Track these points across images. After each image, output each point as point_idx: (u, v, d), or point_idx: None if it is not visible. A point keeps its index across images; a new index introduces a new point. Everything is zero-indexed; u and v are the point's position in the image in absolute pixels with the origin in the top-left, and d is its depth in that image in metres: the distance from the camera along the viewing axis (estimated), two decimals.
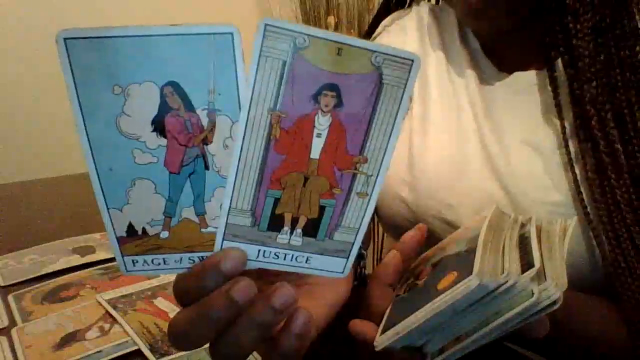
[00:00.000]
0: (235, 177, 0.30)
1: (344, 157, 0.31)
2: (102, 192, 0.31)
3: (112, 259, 0.73)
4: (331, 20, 1.96)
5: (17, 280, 0.68)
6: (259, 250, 0.33)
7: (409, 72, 0.29)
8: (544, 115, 0.55)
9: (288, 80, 0.28)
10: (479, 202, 0.55)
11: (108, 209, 0.31)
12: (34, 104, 1.80)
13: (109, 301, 0.61)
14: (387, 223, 0.66)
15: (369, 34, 0.72)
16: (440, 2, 0.72)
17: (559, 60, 0.51)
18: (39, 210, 0.94)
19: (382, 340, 0.36)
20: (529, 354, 0.49)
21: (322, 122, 0.30)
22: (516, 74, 0.57)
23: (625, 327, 0.48)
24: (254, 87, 0.28)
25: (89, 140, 0.29)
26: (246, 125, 0.29)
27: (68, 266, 0.71)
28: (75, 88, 0.28)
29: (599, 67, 0.48)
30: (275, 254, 0.33)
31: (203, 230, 0.32)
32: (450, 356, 0.35)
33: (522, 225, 0.42)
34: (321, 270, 0.34)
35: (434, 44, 0.64)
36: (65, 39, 0.27)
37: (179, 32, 0.28)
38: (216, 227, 0.32)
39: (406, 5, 0.71)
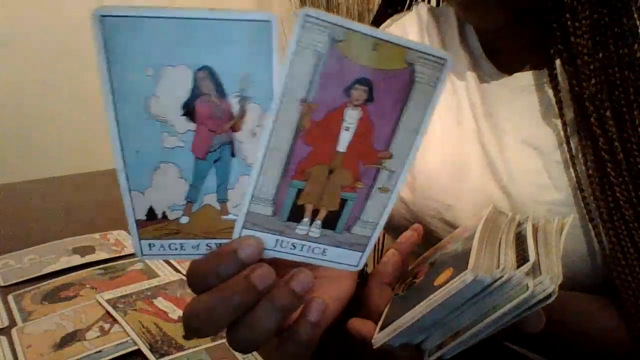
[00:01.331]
0: (261, 166, 0.30)
1: (369, 151, 0.31)
2: (126, 174, 0.30)
3: (112, 259, 0.73)
4: None
5: (17, 280, 0.68)
6: (277, 240, 0.33)
7: (441, 71, 0.29)
8: (543, 115, 0.55)
9: (322, 72, 0.28)
10: (479, 202, 0.56)
11: (130, 191, 0.31)
12: (35, 104, 1.80)
13: (109, 301, 0.61)
14: (386, 222, 0.66)
15: None
16: (440, 4, 0.72)
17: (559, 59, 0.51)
18: (39, 210, 0.94)
19: (380, 338, 0.36)
20: (528, 354, 0.49)
21: (352, 116, 0.30)
22: (516, 74, 0.57)
23: (624, 325, 0.48)
24: (287, 76, 0.28)
25: (117, 121, 0.29)
26: (277, 115, 0.29)
27: (68, 266, 0.71)
28: (108, 67, 0.28)
29: (597, 65, 0.48)
30: (292, 244, 0.33)
31: (224, 217, 0.32)
32: (447, 352, 0.35)
33: (519, 224, 0.42)
34: (336, 262, 0.34)
35: (434, 44, 0.64)
36: (101, 16, 0.27)
37: (217, 17, 0.28)
38: (237, 215, 0.31)
39: (406, 7, 0.71)
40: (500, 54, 0.60)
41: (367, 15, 1.99)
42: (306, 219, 0.32)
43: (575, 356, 0.50)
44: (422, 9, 0.68)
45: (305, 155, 0.30)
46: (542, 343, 0.45)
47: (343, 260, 0.34)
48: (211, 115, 0.30)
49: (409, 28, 0.67)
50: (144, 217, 0.32)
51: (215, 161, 0.31)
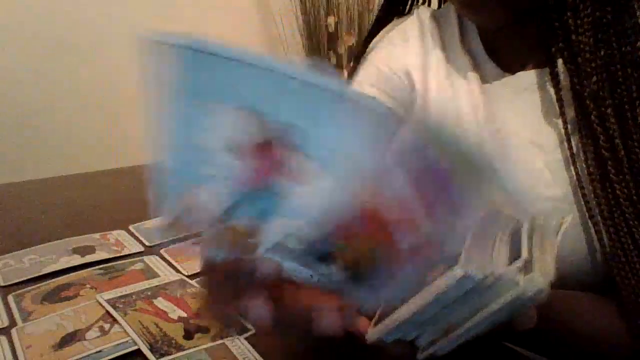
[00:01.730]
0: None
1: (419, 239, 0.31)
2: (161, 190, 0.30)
3: (112, 259, 0.73)
4: (331, 20, 1.96)
5: (17, 280, 0.67)
6: (298, 268, 0.33)
7: None
8: (545, 114, 0.55)
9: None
10: None
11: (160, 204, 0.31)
12: (35, 104, 1.80)
13: (109, 301, 0.61)
14: None
15: (368, 40, 0.71)
16: (441, 6, 0.71)
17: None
18: (39, 210, 0.93)
19: (373, 333, 0.36)
20: (528, 354, 0.49)
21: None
22: (518, 73, 0.57)
23: (624, 324, 0.48)
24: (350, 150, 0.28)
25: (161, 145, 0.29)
26: (340, 190, 0.29)
27: (68, 266, 0.71)
28: (157, 95, 0.28)
29: (599, 63, 0.48)
30: (311, 275, 0.33)
31: (250, 239, 0.32)
32: (440, 348, 0.35)
33: (517, 222, 0.42)
34: (352, 299, 0.34)
35: (435, 48, 0.64)
36: (189, 49, 0.27)
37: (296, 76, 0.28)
38: (265, 240, 0.31)
39: (406, 11, 0.71)
40: (501, 53, 0.60)
41: (367, 15, 1.98)
42: (333, 265, 0.32)
43: (575, 356, 0.50)
44: (423, 12, 0.68)
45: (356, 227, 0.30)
46: (542, 342, 0.45)
47: (360, 300, 0.34)
48: (262, 157, 0.29)
49: (410, 32, 0.67)
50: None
51: (255, 198, 0.31)
